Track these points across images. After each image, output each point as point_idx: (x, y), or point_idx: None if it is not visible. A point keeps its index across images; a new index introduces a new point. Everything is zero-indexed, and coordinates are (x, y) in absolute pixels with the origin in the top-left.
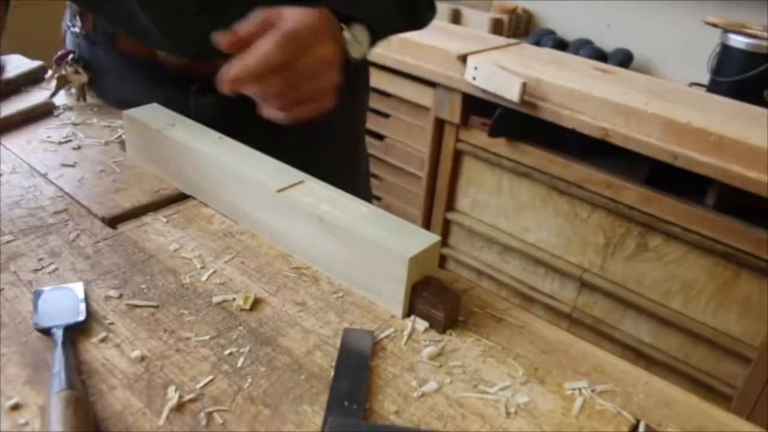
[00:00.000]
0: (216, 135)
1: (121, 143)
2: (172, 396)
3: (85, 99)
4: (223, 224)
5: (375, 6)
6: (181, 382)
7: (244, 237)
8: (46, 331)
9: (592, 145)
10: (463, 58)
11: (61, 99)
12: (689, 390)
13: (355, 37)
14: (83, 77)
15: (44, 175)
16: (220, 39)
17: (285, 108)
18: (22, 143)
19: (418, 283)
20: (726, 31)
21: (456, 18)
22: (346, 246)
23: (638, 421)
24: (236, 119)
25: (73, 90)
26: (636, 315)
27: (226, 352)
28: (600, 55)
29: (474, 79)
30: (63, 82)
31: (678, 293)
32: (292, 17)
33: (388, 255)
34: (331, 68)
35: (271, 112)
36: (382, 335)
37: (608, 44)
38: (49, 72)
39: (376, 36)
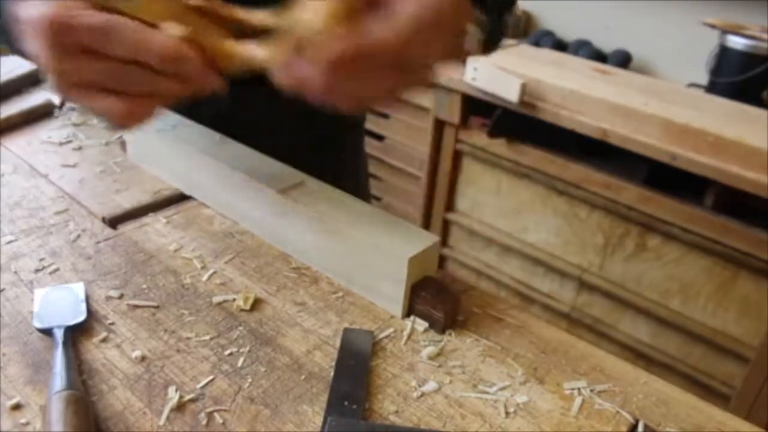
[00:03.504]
0: (216, 136)
1: (122, 144)
2: (173, 396)
3: None
4: (224, 225)
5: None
6: (181, 382)
7: (244, 237)
8: (47, 331)
9: (591, 145)
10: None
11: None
12: (688, 390)
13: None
14: None
15: (45, 176)
16: None
17: (366, 101)
18: (23, 144)
19: (417, 283)
20: (724, 32)
21: None
22: (346, 246)
23: (637, 421)
24: (240, 120)
25: None
26: (635, 315)
27: (227, 352)
28: (599, 56)
29: (473, 79)
30: None
31: (677, 293)
32: None
33: (387, 255)
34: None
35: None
36: (382, 335)
37: (607, 45)
38: None
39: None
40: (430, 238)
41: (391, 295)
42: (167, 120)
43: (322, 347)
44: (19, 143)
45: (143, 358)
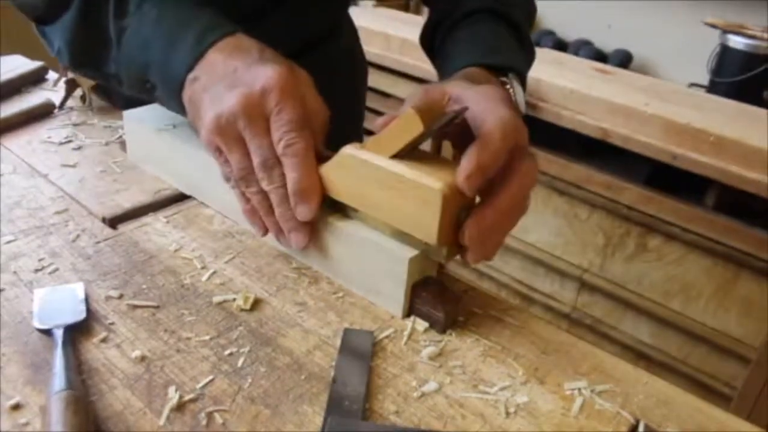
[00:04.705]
0: None
1: (122, 143)
2: (173, 396)
3: (91, 102)
4: (224, 224)
5: (512, 51)
6: (181, 382)
7: (244, 237)
8: (47, 331)
9: (592, 145)
10: None
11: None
12: (689, 390)
13: (516, 93)
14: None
15: (45, 176)
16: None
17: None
18: (23, 144)
19: (418, 283)
20: (725, 31)
21: None
22: (346, 246)
23: (638, 422)
24: None
25: (79, 91)
26: (636, 315)
27: (227, 352)
28: (600, 56)
29: None
30: (73, 86)
31: (678, 293)
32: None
33: (388, 255)
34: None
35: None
36: (382, 335)
37: (608, 45)
38: (54, 76)
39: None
40: None
41: (392, 295)
42: (167, 119)
43: (322, 347)
44: (19, 143)
45: (143, 358)
